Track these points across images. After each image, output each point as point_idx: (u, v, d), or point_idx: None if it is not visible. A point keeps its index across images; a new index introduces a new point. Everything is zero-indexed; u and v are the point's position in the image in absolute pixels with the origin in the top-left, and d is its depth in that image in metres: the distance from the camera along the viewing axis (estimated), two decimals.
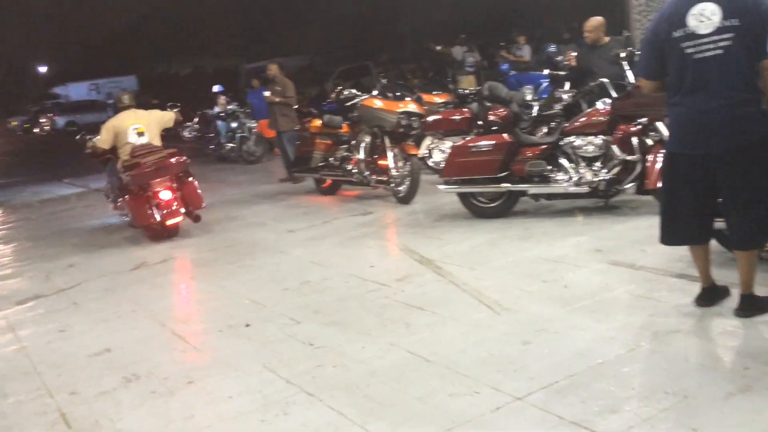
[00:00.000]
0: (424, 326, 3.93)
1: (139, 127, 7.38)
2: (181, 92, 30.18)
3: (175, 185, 7.08)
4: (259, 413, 3.14)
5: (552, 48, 12.64)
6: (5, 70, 37.89)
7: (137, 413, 3.34)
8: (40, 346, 4.44)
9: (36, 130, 36.08)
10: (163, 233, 7.13)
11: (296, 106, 10.39)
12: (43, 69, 48.23)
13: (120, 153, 7.40)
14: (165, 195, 6.93)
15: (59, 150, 25.15)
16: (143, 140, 7.33)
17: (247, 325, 4.29)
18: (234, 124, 13.63)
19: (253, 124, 13.24)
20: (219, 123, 14.26)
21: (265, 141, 13.16)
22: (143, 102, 28.11)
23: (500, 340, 3.60)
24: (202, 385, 3.54)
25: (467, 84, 13.72)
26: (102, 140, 7.45)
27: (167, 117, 7.88)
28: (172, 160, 7.09)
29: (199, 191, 7.26)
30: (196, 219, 7.29)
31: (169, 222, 7.02)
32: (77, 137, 8.56)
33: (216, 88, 18.00)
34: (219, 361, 3.81)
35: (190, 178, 7.26)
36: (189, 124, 17.71)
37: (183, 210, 7.08)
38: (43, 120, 36.01)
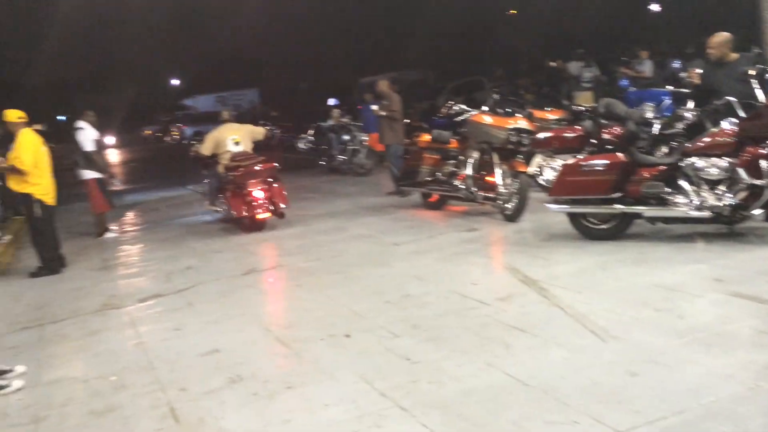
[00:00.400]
0: (524, 348, 3.83)
1: (236, 138, 8.84)
2: (299, 105, 31.29)
3: (266, 187, 8.27)
4: (353, 423, 3.18)
5: (676, 64, 12.04)
6: (140, 83, 40.81)
7: (239, 413, 3.47)
8: (156, 343, 4.72)
9: (166, 138, 38.59)
10: (253, 226, 8.34)
11: (407, 120, 10.51)
12: (175, 82, 51.55)
13: (220, 159, 8.78)
14: (258, 194, 8.25)
15: (186, 158, 26.74)
16: (239, 149, 8.78)
17: (347, 336, 4.36)
18: (346, 137, 13.96)
19: (364, 137, 13.51)
20: (332, 135, 14.65)
21: (375, 154, 13.39)
22: (264, 113, 29.44)
23: (605, 369, 3.45)
24: (300, 390, 3.63)
25: (584, 100, 13.33)
26: (204, 148, 8.96)
27: (258, 131, 9.32)
28: (265, 166, 8.37)
29: (284, 193, 8.41)
30: (281, 215, 8.44)
31: (259, 216, 8.29)
32: (183, 141, 10.40)
33: (331, 102, 18.53)
34: (318, 369, 3.89)
35: (278, 182, 8.41)
36: (304, 135, 18.31)
37: (271, 207, 8.30)
38: (173, 130, 38.44)
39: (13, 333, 5.30)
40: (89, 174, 8.96)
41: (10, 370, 4.23)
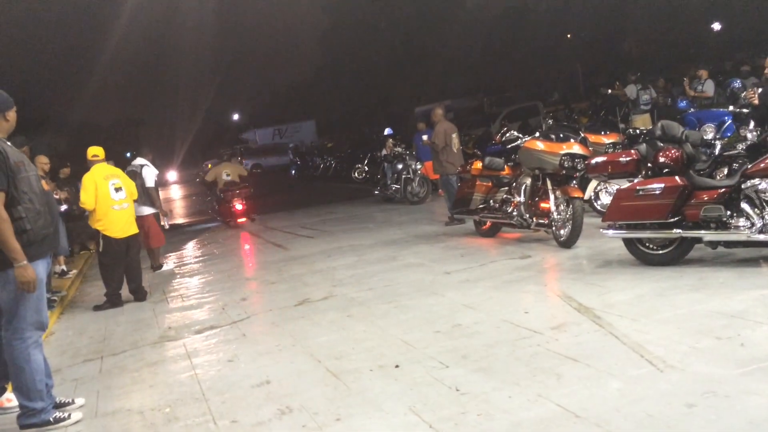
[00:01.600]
0: (577, 379, 3.73)
1: (228, 172, 14.35)
2: (355, 135, 31.73)
3: (244, 202, 13.74)
4: None
5: (736, 83, 11.66)
6: (203, 119, 42.27)
7: None
8: (210, 374, 4.80)
9: None
10: (235, 225, 13.83)
11: (458, 148, 10.52)
12: (235, 116, 53.15)
13: (218, 184, 14.34)
14: (238, 206, 13.76)
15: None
16: (229, 179, 14.17)
17: (397, 366, 4.33)
18: (399, 166, 14.04)
19: (418, 165, 13.56)
20: (385, 165, 14.76)
21: (429, 182, 13.42)
22: (320, 146, 29.94)
23: (661, 400, 3.32)
24: (348, 423, 3.62)
25: (642, 123, 13.07)
26: (208, 175, 15.02)
27: (242, 170, 14.99)
28: (243, 190, 13.91)
29: (253, 207, 14.21)
30: (252, 220, 14.04)
31: (239, 220, 13.88)
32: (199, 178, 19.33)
33: (386, 132, 18.73)
34: (366, 400, 3.87)
35: (251, 200, 14.08)
36: (359, 165, 18.51)
37: (246, 216, 13.92)
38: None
39: (76, 365, 5.49)
40: (148, 210, 9.22)
41: (70, 403, 4.37)
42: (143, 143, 11.97)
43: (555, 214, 7.39)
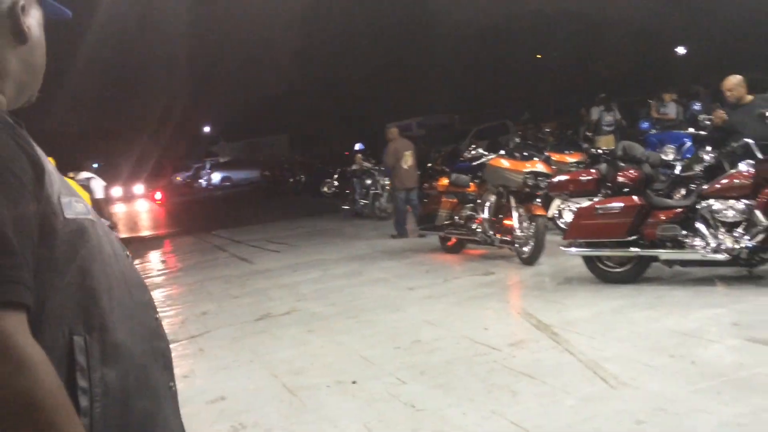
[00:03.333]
0: (532, 396, 3.74)
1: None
2: (327, 149, 31.75)
3: (162, 194, 28.43)
4: None
5: (696, 106, 11.95)
6: (173, 131, 41.81)
7: None
8: None
9: (196, 185, 39.31)
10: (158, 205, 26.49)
11: (429, 165, 10.68)
12: (207, 129, 52.77)
13: None
14: (158, 196, 28.16)
15: (213, 204, 27.13)
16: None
17: (354, 382, 4.31)
18: (368, 181, 14.05)
19: (386, 181, 13.58)
20: (354, 180, 14.77)
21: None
22: (291, 160, 29.85)
23: (612, 417, 3.35)
24: None
25: (605, 144, 13.27)
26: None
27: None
28: (160, 187, 30.19)
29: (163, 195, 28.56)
30: (160, 203, 27.33)
31: (155, 201, 27.53)
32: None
33: (357, 147, 18.77)
34: (322, 417, 3.84)
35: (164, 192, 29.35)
36: (328, 180, 18.50)
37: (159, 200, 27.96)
38: (204, 176, 39.17)
39: None
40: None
41: None
42: (85, 156, 10.71)
43: (518, 231, 7.45)
